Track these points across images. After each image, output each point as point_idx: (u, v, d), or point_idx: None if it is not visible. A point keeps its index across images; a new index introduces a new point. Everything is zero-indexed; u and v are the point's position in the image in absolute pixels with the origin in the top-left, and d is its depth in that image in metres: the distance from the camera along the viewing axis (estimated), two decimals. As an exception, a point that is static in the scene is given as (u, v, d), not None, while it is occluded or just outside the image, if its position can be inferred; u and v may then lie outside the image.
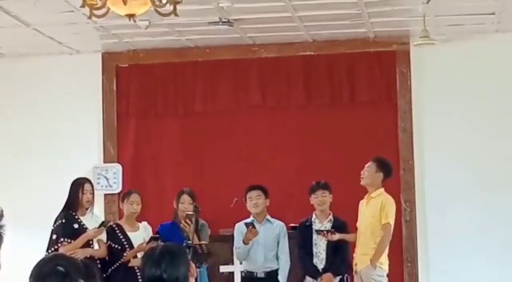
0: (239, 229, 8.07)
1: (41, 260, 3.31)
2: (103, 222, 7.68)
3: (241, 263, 8.08)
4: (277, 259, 8.08)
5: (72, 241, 7.44)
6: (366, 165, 7.91)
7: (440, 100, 9.19)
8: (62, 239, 7.45)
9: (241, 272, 8.08)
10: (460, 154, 9.10)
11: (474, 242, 8.95)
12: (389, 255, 7.88)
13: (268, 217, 8.17)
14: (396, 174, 9.11)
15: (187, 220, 7.75)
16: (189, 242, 7.55)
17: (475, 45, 9.09)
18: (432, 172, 9.16)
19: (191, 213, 7.83)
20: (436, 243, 9.09)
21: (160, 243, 7.03)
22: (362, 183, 7.93)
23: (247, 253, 7.99)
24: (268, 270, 8.04)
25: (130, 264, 7.65)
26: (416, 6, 7.89)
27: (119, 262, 7.66)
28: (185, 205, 8.00)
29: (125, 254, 7.66)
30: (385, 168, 7.95)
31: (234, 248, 8.05)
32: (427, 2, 7.71)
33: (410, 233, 9.15)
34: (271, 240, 8.07)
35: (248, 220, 8.09)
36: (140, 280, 7.58)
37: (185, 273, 3.72)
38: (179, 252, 3.81)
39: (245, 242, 7.92)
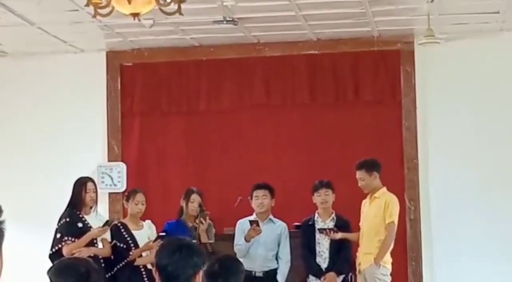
0: (241, 226, 8.06)
1: (63, 259, 3.34)
2: (107, 221, 7.66)
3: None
4: (277, 259, 8.05)
5: (76, 240, 7.42)
6: (357, 176, 7.90)
7: (444, 99, 9.18)
8: (66, 238, 7.42)
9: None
10: (465, 152, 9.08)
11: (478, 240, 8.94)
12: (393, 254, 7.89)
13: (271, 216, 8.15)
14: (400, 173, 9.14)
15: (202, 219, 7.80)
16: (193, 240, 7.57)
17: (480, 44, 9.08)
18: (437, 170, 9.15)
19: (207, 211, 7.89)
20: (440, 241, 9.07)
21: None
22: (365, 192, 7.94)
23: (247, 250, 7.96)
24: (267, 269, 8.00)
25: (136, 263, 7.66)
26: (420, 5, 7.88)
27: (125, 260, 7.65)
28: (195, 205, 8.02)
29: (130, 253, 7.66)
30: (373, 166, 7.94)
31: (234, 245, 8.03)
32: (432, 1, 7.70)
33: (415, 231, 9.14)
34: (272, 240, 8.04)
35: (252, 217, 8.07)
36: (145, 278, 7.61)
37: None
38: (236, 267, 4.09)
39: (247, 240, 7.91)
